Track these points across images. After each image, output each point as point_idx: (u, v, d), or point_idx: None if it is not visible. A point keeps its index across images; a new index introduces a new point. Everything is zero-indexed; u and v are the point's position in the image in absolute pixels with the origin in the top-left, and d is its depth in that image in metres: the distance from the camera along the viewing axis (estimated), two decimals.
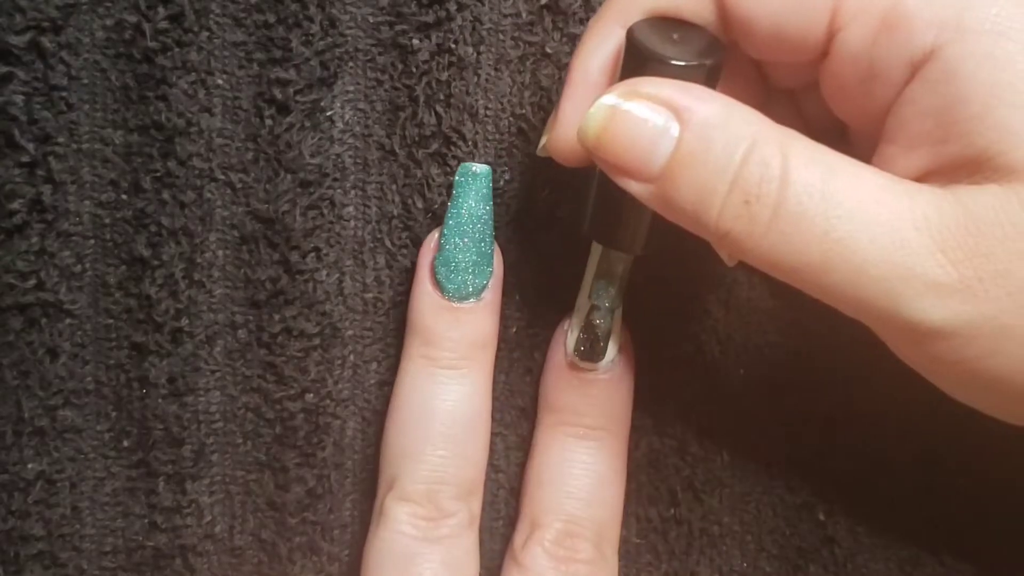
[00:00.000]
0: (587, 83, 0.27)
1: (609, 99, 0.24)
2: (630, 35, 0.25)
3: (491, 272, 0.31)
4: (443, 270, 0.30)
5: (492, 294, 0.31)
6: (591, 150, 0.24)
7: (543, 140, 0.28)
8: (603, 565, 0.31)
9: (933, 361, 0.23)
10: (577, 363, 0.31)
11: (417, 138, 0.32)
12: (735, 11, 0.25)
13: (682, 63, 0.24)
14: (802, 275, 0.23)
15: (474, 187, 0.30)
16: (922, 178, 0.23)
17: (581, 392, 0.31)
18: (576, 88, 0.27)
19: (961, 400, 0.25)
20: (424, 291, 0.31)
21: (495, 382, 0.33)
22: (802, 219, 0.22)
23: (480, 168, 0.31)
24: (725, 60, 0.26)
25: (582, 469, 0.31)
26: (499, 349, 0.33)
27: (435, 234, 0.31)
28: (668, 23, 0.26)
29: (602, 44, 0.26)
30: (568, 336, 0.31)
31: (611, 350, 0.31)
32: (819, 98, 0.27)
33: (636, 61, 0.25)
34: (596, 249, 0.30)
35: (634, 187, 0.24)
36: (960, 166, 0.22)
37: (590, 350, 0.30)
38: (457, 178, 0.31)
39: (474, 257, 0.30)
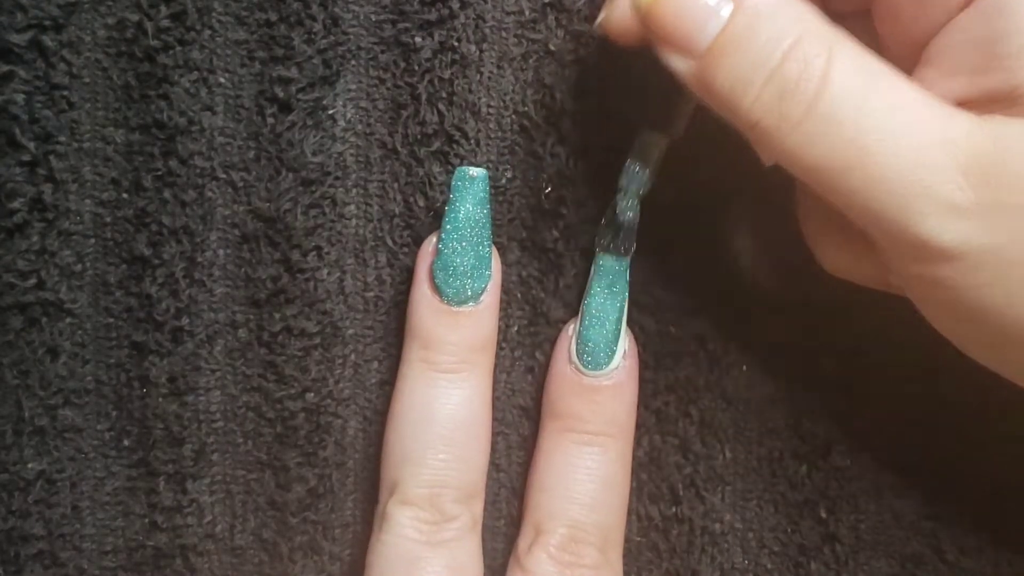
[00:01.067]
0: None
1: None
2: None
3: (489, 275, 0.31)
4: (442, 274, 0.30)
5: (491, 297, 0.31)
6: (642, 17, 0.24)
7: (600, 18, 0.28)
8: (608, 570, 0.31)
9: (931, 284, 0.24)
10: (579, 367, 0.31)
11: (419, 136, 0.32)
12: None
13: None
14: (821, 176, 0.23)
15: (471, 191, 0.30)
16: (957, 105, 0.23)
17: (586, 398, 0.31)
18: None
19: (943, 332, 0.25)
20: (423, 295, 0.31)
21: (497, 381, 0.33)
22: (832, 122, 0.22)
23: (477, 172, 0.30)
24: None
25: (586, 474, 0.31)
26: (501, 348, 0.33)
27: (433, 238, 0.31)
28: None
29: None
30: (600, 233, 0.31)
31: (617, 356, 0.31)
32: (865, 27, 0.26)
33: None
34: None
35: (677, 62, 0.24)
36: (996, 99, 0.23)
37: (615, 240, 0.30)
38: (454, 182, 0.30)
39: (473, 261, 0.30)
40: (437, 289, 0.30)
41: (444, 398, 0.30)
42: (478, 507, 0.31)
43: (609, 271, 0.30)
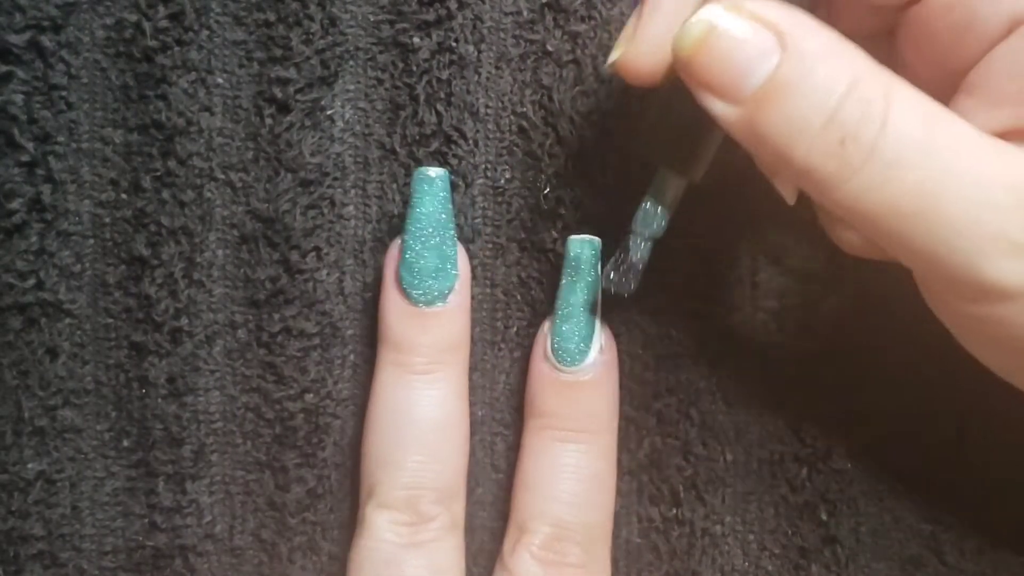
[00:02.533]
0: None
1: (711, 12, 0.23)
2: None
3: (456, 274, 0.31)
4: (407, 276, 0.30)
5: (459, 297, 0.31)
6: (683, 63, 0.23)
7: (613, 55, 0.26)
8: (594, 568, 0.30)
9: (983, 321, 0.23)
10: (555, 363, 0.30)
11: (418, 137, 0.32)
12: None
13: None
14: (880, 223, 0.22)
15: (430, 192, 0.30)
16: (1000, 136, 0.23)
17: (562, 396, 0.31)
18: (661, 1, 0.25)
19: (988, 364, 0.25)
20: (391, 298, 0.31)
21: (496, 382, 0.33)
22: (897, 167, 0.22)
23: (436, 172, 0.30)
24: None
25: (567, 472, 0.30)
26: (499, 349, 0.33)
27: (398, 240, 0.31)
28: None
29: None
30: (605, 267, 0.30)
31: (593, 351, 0.30)
32: (886, 48, 0.26)
33: None
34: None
35: (719, 108, 0.23)
36: None
37: (619, 278, 0.29)
38: (413, 183, 0.30)
39: (436, 261, 0.30)
40: (404, 292, 0.30)
41: (417, 400, 0.30)
42: (457, 507, 0.31)
43: (578, 264, 0.30)
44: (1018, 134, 0.23)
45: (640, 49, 0.25)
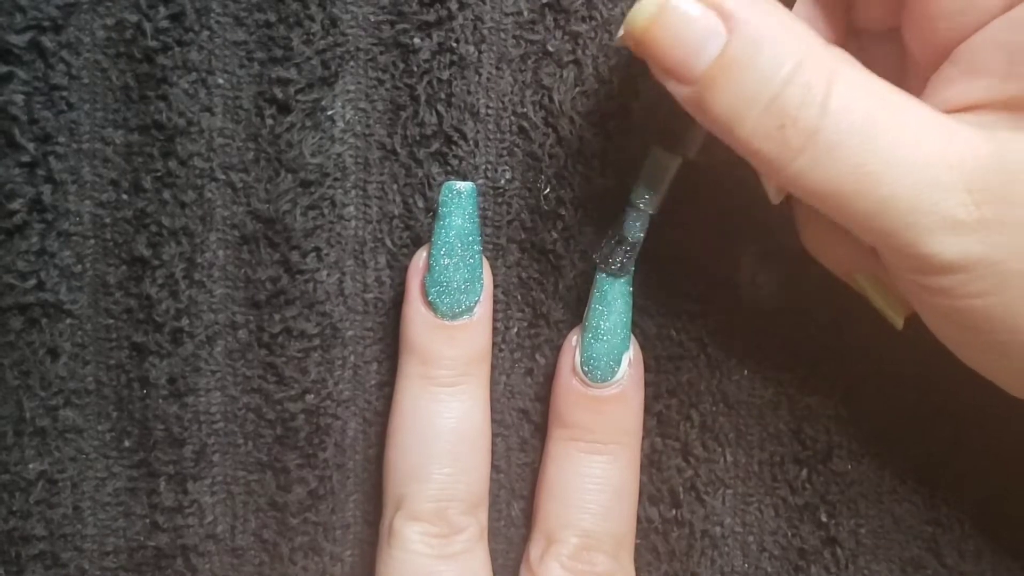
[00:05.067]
0: None
1: None
2: None
3: (482, 287, 0.30)
4: (434, 290, 0.30)
5: (484, 308, 0.31)
6: (636, 43, 0.24)
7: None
8: (621, 575, 0.31)
9: (932, 293, 0.24)
10: (584, 379, 0.30)
11: (418, 137, 0.32)
12: None
13: None
14: (825, 200, 0.23)
15: (459, 206, 0.30)
16: (972, 107, 0.23)
17: (591, 410, 0.31)
18: None
19: (942, 339, 0.25)
20: (416, 311, 0.30)
21: (496, 383, 0.33)
22: (836, 149, 0.22)
23: (464, 186, 0.30)
24: None
25: (595, 484, 0.30)
26: (500, 350, 0.33)
27: (423, 252, 0.31)
28: None
29: None
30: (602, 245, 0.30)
31: (623, 367, 0.30)
32: (886, 43, 0.26)
33: None
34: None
35: (674, 87, 0.24)
36: (1012, 106, 0.22)
37: (614, 257, 0.29)
38: (442, 198, 0.30)
39: (465, 275, 0.30)
40: (431, 305, 0.30)
41: (445, 412, 0.30)
42: (484, 516, 0.31)
43: (611, 286, 0.30)
44: (990, 106, 0.23)
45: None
